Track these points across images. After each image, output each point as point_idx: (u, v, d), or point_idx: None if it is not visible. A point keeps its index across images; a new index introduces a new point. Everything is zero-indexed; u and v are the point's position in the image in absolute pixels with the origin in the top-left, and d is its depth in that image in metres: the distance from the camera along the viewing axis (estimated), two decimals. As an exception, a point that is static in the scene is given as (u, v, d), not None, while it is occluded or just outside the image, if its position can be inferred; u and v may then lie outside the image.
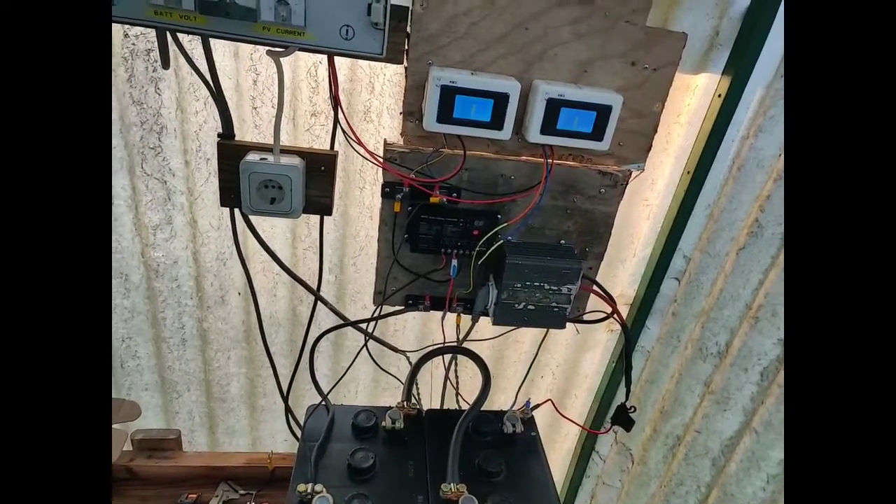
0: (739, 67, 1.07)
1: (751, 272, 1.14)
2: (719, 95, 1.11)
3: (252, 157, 0.94)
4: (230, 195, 0.98)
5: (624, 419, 1.18)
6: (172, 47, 0.86)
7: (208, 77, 0.90)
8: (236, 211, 1.01)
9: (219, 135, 0.97)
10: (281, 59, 0.83)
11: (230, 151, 0.96)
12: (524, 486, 0.98)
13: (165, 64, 0.88)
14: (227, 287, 1.42)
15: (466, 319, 1.14)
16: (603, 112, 0.93)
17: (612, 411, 1.33)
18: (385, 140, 0.99)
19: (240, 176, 0.94)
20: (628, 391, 1.16)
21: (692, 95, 1.20)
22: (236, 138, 0.98)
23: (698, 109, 1.18)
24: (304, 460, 0.96)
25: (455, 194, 1.01)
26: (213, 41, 0.87)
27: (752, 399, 1.15)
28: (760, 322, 1.11)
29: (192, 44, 0.99)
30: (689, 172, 1.21)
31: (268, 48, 0.82)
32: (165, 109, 1.17)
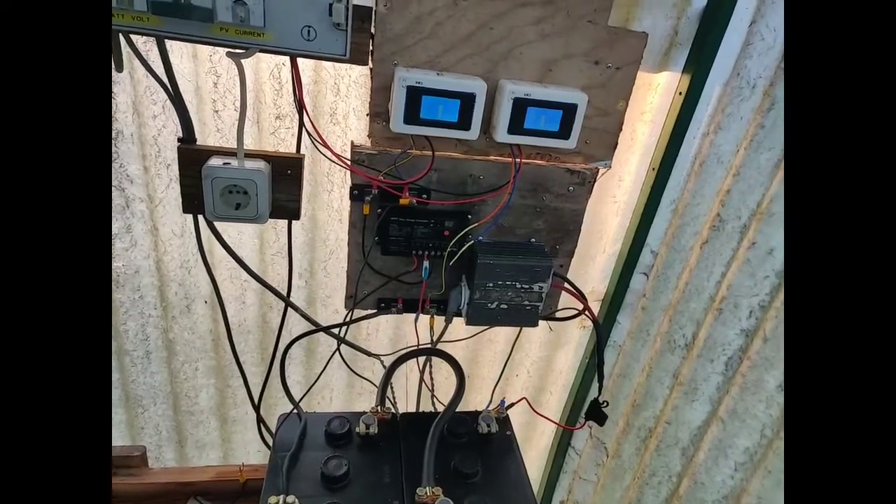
0: (698, 66, 1.10)
1: (714, 265, 1.17)
2: (680, 93, 1.14)
3: (215, 161, 0.92)
4: (193, 201, 0.95)
5: (597, 414, 1.19)
6: (126, 49, 0.83)
7: (165, 80, 0.87)
8: (200, 217, 0.98)
9: (179, 139, 0.94)
10: (242, 60, 0.81)
11: (191, 156, 0.93)
12: (500, 486, 0.98)
13: (119, 67, 0.84)
14: (193, 296, 1.38)
15: (440, 321, 1.13)
16: (569, 111, 0.94)
17: (586, 407, 1.35)
18: (352, 142, 0.98)
19: (202, 181, 0.91)
20: (601, 386, 1.17)
21: (655, 93, 1.22)
22: (198, 143, 0.95)
23: (661, 107, 1.21)
24: (275, 471, 0.93)
25: (425, 195, 1.00)
26: (169, 42, 0.84)
27: (717, 389, 1.18)
28: (724, 313, 1.14)
29: (148, 45, 0.96)
30: (654, 169, 1.23)
31: (228, 50, 0.80)
32: (121, 114, 1.12)
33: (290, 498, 0.87)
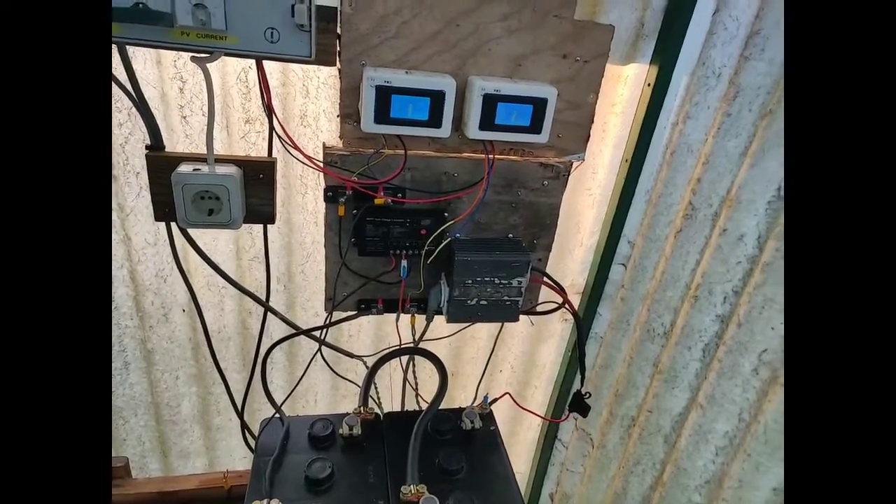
0: (665, 57, 1.11)
1: (688, 253, 1.18)
2: (648, 84, 1.15)
3: (184, 168, 0.91)
4: (164, 209, 0.94)
5: (580, 405, 1.21)
6: (87, 56, 0.81)
7: (129, 87, 0.86)
8: (173, 225, 0.97)
9: (147, 146, 0.93)
10: (207, 64, 0.80)
11: (160, 163, 0.92)
12: (485, 482, 0.99)
13: (80, 74, 0.83)
14: (170, 304, 1.36)
15: (421, 319, 1.13)
16: (539, 105, 0.95)
17: (570, 399, 1.35)
18: (324, 144, 0.97)
19: (173, 189, 0.90)
20: (583, 378, 1.19)
21: (624, 85, 1.23)
22: (166, 149, 0.94)
23: (631, 99, 1.22)
24: (258, 475, 0.93)
25: (400, 194, 1.00)
26: (131, 49, 0.83)
27: (696, 375, 1.20)
28: (699, 301, 1.15)
29: (110, 52, 0.94)
30: (626, 160, 1.24)
31: (192, 54, 0.79)
32: (87, 122, 1.10)
33: (274, 502, 0.87)
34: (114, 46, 0.86)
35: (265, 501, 0.86)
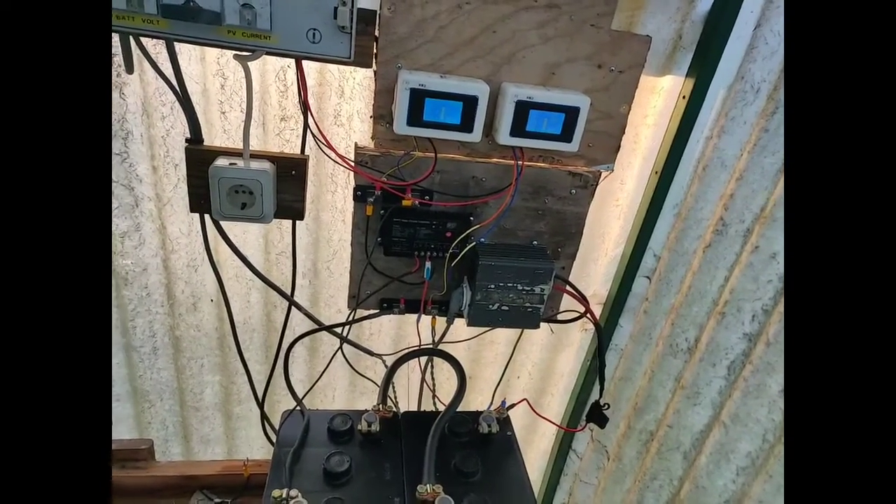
0: (702, 70, 1.10)
1: (717, 269, 1.17)
2: (683, 97, 1.14)
3: (221, 162, 0.93)
4: (200, 201, 0.97)
5: (598, 416, 1.20)
6: (136, 52, 0.85)
7: (174, 81, 0.89)
8: (207, 217, 1.00)
9: (187, 140, 0.95)
10: (248, 62, 0.83)
11: (199, 156, 0.94)
12: (500, 486, 0.99)
13: (129, 69, 0.86)
14: (199, 294, 1.40)
15: (442, 321, 1.14)
16: (571, 114, 0.95)
17: (587, 409, 1.34)
18: (356, 144, 0.99)
19: (209, 181, 0.93)
20: (602, 389, 1.18)
21: (658, 97, 1.22)
22: (205, 143, 0.97)
23: (664, 111, 1.21)
24: (278, 466, 0.95)
25: (427, 197, 1.01)
26: (178, 45, 0.86)
27: (720, 393, 1.18)
28: (726, 317, 1.14)
29: (157, 48, 0.97)
30: (656, 172, 1.23)
31: (235, 52, 0.82)
32: (131, 115, 1.14)
33: (293, 492, 0.88)
34: (162, 42, 0.89)
35: (284, 491, 0.88)
